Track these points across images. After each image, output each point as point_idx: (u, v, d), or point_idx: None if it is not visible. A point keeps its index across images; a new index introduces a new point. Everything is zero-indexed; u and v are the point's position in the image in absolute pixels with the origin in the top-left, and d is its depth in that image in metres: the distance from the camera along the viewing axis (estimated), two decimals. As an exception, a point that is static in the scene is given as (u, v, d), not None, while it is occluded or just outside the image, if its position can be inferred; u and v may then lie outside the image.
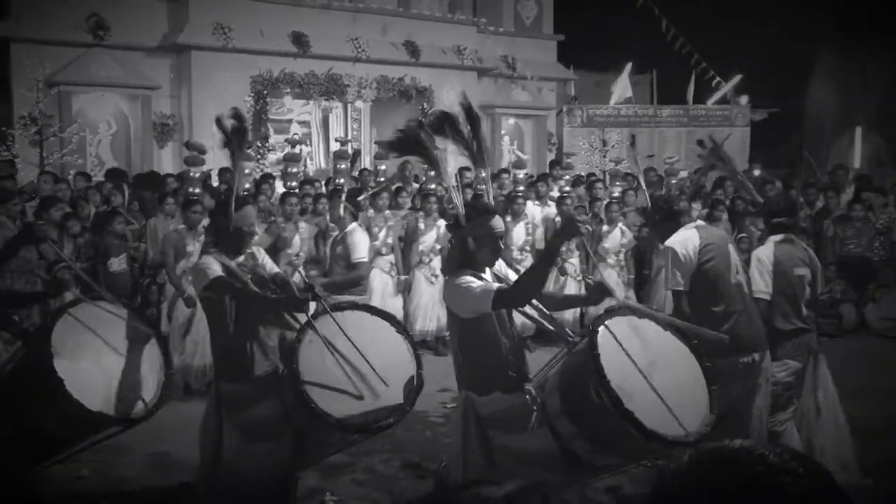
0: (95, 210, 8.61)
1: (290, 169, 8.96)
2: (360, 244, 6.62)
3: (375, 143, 10.22)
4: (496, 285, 3.43)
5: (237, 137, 4.32)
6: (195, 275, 4.10)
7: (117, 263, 7.48)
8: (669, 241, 4.41)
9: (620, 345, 3.38)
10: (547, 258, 3.50)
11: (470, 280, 3.45)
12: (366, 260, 6.73)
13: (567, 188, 9.79)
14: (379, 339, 4.09)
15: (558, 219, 8.91)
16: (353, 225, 6.79)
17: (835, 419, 4.81)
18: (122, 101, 12.67)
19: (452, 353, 3.75)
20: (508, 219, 8.78)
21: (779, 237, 4.89)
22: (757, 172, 12.39)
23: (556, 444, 3.42)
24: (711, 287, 4.33)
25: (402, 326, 4.32)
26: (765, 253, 4.80)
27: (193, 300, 6.58)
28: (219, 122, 4.37)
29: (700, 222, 4.68)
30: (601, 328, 3.38)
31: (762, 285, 4.66)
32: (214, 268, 3.96)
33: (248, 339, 4.00)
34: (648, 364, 3.40)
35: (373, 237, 8.12)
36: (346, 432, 3.88)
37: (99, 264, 7.45)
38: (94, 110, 12.50)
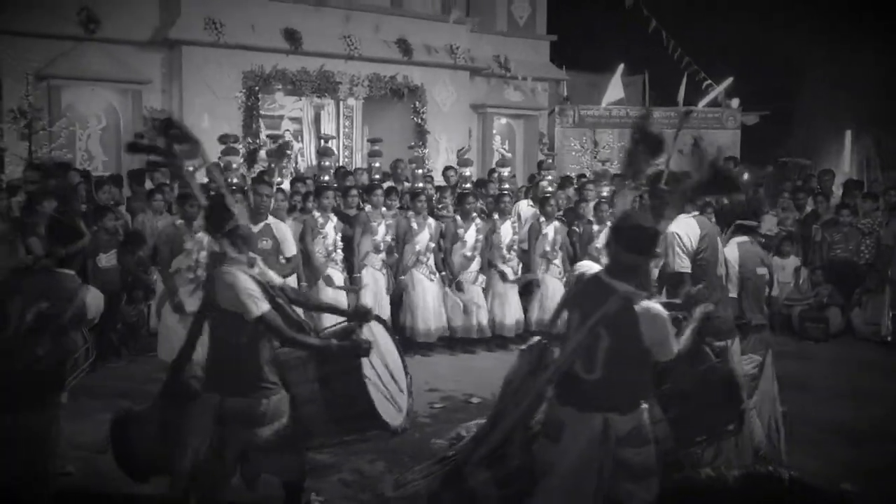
0: (85, 205, 8.55)
1: (272, 166, 8.90)
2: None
3: (369, 140, 10.13)
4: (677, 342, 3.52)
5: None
6: (233, 290, 3.90)
7: (106, 259, 7.49)
8: (673, 227, 4.62)
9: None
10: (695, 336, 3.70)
11: (669, 318, 3.46)
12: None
13: (549, 189, 9.77)
14: (391, 352, 4.61)
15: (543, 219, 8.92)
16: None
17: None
18: (112, 96, 12.58)
19: (594, 375, 3.46)
20: (496, 217, 8.84)
21: (742, 238, 5.21)
22: (746, 176, 12.42)
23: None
24: (701, 275, 4.60)
25: (397, 340, 4.77)
26: (729, 254, 5.04)
27: (182, 307, 6.49)
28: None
29: (696, 212, 4.85)
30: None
31: (728, 285, 4.94)
32: (259, 294, 3.91)
33: (265, 355, 4.04)
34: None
35: (371, 232, 8.20)
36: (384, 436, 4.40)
37: (88, 259, 7.43)
38: (84, 104, 12.40)
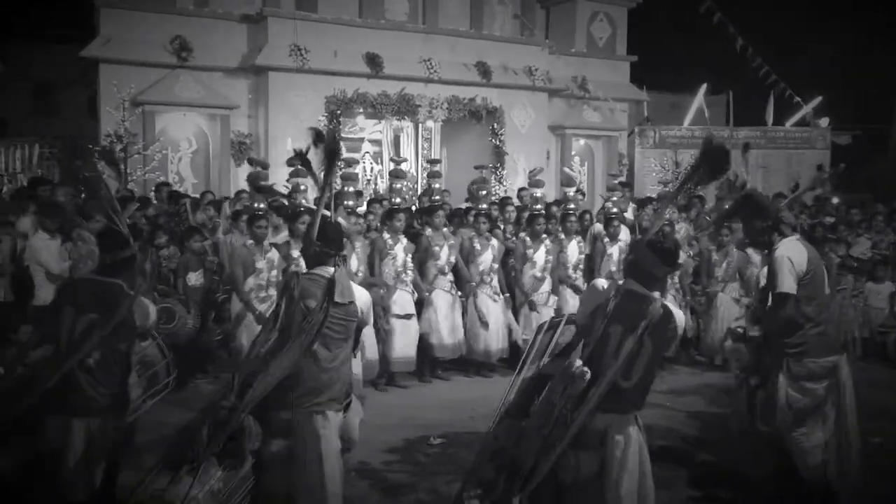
0: (172, 226, 8.85)
1: (346, 188, 8.94)
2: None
3: (428, 161, 9.72)
4: None
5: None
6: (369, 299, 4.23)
7: (195, 278, 7.78)
8: (784, 251, 4.78)
9: None
10: None
11: None
12: None
13: (614, 210, 9.09)
14: None
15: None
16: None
17: None
18: (202, 120, 13.11)
19: (631, 383, 3.61)
20: (607, 240, 8.80)
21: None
22: (835, 200, 11.97)
23: None
24: (812, 296, 4.76)
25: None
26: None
27: (264, 317, 6.61)
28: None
29: (798, 235, 4.94)
30: None
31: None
32: None
33: None
34: None
35: (433, 256, 8.12)
36: None
37: (179, 278, 7.76)
38: (175, 129, 12.96)
